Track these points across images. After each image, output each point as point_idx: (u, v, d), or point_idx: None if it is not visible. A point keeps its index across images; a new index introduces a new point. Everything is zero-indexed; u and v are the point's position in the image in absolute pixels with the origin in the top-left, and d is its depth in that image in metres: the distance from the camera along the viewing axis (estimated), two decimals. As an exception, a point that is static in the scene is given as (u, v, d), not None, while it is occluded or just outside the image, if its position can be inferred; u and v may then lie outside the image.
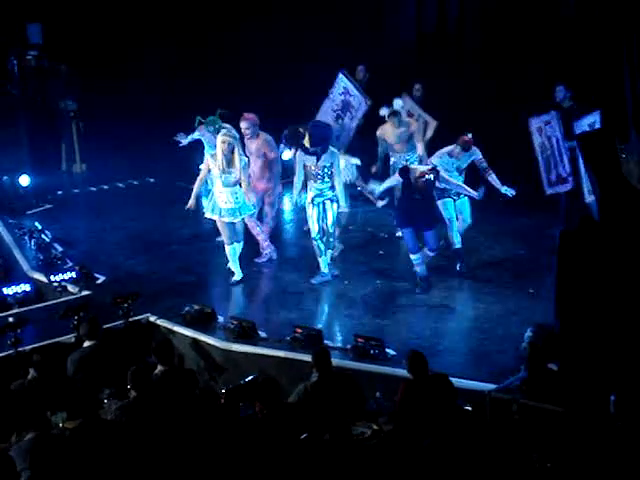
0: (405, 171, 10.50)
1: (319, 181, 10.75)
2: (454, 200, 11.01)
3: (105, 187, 15.62)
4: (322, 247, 10.90)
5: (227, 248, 10.98)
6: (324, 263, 10.95)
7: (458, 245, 11.02)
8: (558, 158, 11.22)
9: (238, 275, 11.06)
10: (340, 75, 12.58)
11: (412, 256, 10.63)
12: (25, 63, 15.67)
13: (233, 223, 10.85)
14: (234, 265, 11.02)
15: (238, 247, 10.99)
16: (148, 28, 16.07)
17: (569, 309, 7.89)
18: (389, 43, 13.94)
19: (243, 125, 11.42)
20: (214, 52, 15.89)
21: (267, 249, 11.64)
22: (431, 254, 10.75)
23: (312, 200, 10.85)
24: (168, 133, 15.22)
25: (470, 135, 10.86)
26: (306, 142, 10.83)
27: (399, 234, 12.35)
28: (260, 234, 11.59)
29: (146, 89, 15.82)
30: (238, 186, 10.70)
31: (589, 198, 11.21)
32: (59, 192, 15.29)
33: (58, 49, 16.11)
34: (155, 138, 15.49)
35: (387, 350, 9.01)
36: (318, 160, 10.70)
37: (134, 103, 15.85)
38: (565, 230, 8.31)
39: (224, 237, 10.98)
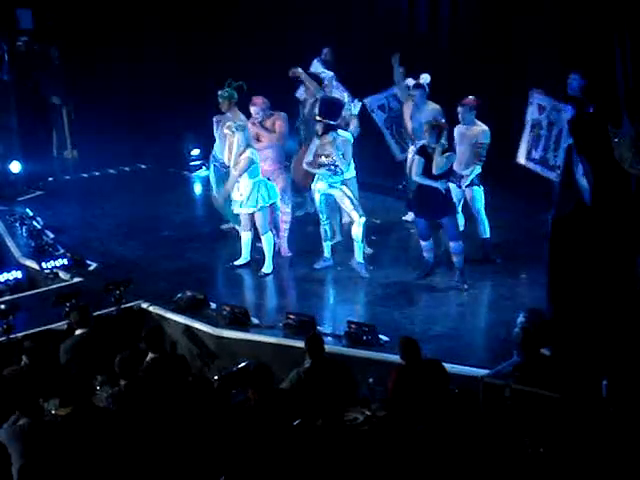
0: (423, 149, 10.17)
1: (324, 170, 10.61)
2: (458, 186, 10.82)
3: (96, 173, 15.59)
4: (328, 231, 10.86)
5: (242, 234, 11.04)
6: (327, 248, 10.93)
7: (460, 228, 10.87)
8: (553, 146, 11.16)
9: (243, 259, 11.08)
10: (315, 62, 12.55)
11: (422, 242, 10.46)
12: (16, 49, 15.59)
13: (250, 213, 10.83)
14: (244, 250, 11.06)
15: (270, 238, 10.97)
16: (143, 13, 15.96)
17: (561, 294, 7.90)
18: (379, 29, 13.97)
19: (253, 110, 11.33)
20: (210, 37, 15.81)
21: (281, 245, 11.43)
22: (452, 244, 10.22)
23: (317, 189, 10.75)
24: (161, 120, 15.21)
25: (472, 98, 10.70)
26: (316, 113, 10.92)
27: (406, 218, 12.32)
28: (284, 230, 11.38)
29: (140, 75, 15.74)
30: (245, 178, 10.69)
31: (583, 182, 11.20)
32: (50, 178, 15.25)
33: (49, 34, 16.05)
34: (147, 124, 15.45)
35: (380, 336, 9.01)
36: (321, 135, 10.56)
37: (127, 89, 15.79)
38: (557, 216, 8.31)
39: (242, 223, 11.06)
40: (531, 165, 11.17)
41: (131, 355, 7.64)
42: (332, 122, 10.68)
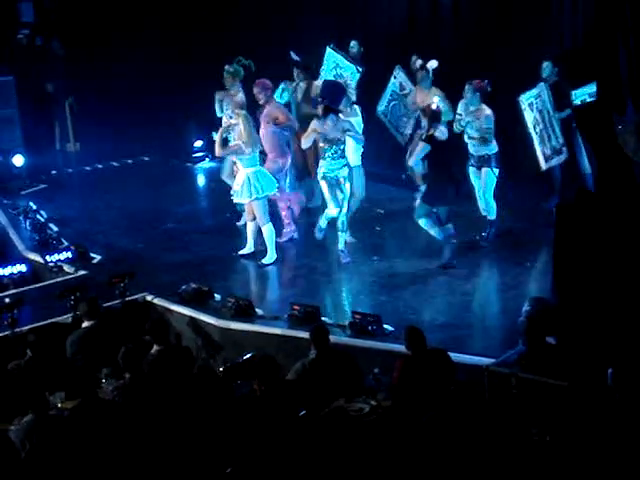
0: (430, 138, 10.18)
1: (328, 158, 10.55)
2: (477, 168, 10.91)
3: (99, 166, 15.59)
4: (345, 223, 10.75)
5: (247, 224, 11.06)
6: (341, 239, 10.81)
7: (484, 213, 10.97)
8: (550, 130, 11.19)
9: (247, 249, 11.08)
10: (328, 50, 12.48)
11: (448, 226, 10.41)
12: (17, 42, 15.59)
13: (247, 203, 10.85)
14: (249, 239, 11.07)
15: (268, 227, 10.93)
16: (145, 7, 15.94)
17: (567, 282, 7.87)
18: (381, 17, 13.95)
19: (255, 90, 11.33)
20: (210, 36, 15.80)
21: (288, 227, 11.51)
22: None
23: (324, 176, 10.65)
24: (163, 112, 15.17)
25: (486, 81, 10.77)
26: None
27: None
28: (286, 212, 11.46)
29: (142, 68, 15.73)
30: (240, 168, 10.69)
31: (588, 169, 11.23)
32: (53, 172, 15.26)
33: (50, 27, 16.04)
34: (149, 116, 15.42)
35: (385, 326, 9.00)
36: (322, 119, 10.45)
37: (129, 82, 15.76)
38: (562, 203, 8.29)
39: (245, 212, 11.09)
40: (552, 163, 11.27)
41: (134, 348, 7.64)
42: (334, 106, 10.62)
